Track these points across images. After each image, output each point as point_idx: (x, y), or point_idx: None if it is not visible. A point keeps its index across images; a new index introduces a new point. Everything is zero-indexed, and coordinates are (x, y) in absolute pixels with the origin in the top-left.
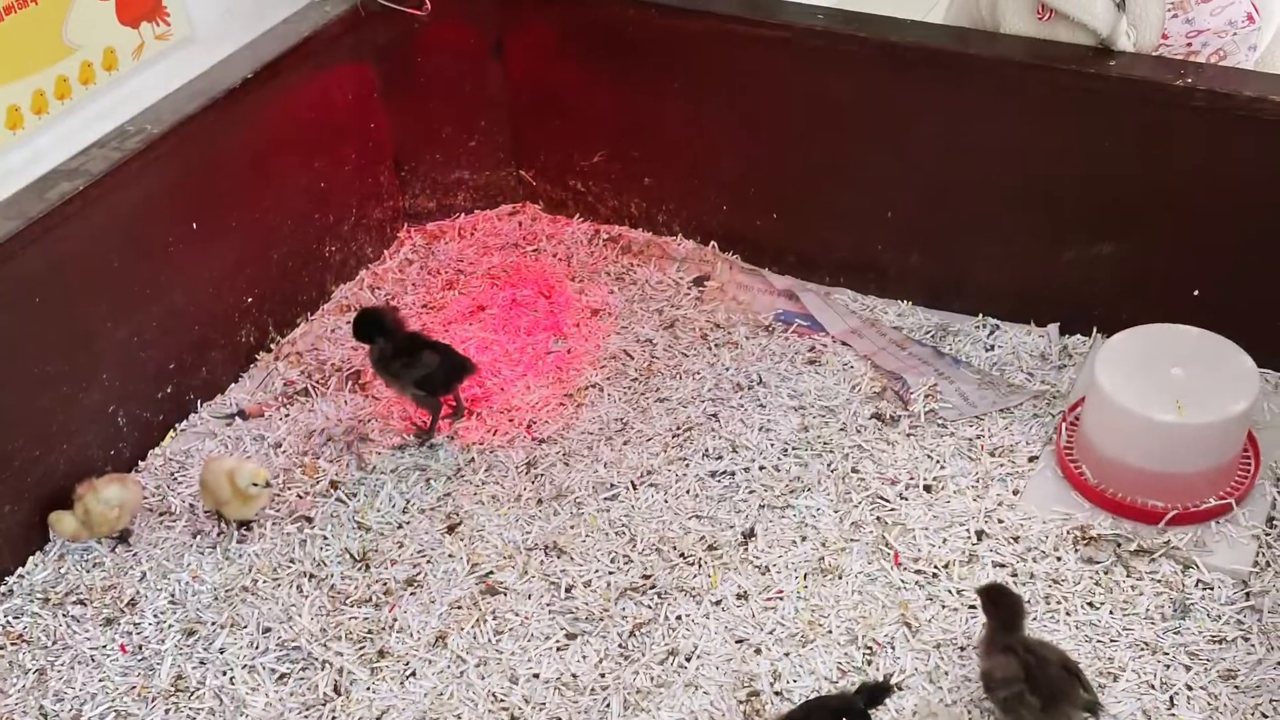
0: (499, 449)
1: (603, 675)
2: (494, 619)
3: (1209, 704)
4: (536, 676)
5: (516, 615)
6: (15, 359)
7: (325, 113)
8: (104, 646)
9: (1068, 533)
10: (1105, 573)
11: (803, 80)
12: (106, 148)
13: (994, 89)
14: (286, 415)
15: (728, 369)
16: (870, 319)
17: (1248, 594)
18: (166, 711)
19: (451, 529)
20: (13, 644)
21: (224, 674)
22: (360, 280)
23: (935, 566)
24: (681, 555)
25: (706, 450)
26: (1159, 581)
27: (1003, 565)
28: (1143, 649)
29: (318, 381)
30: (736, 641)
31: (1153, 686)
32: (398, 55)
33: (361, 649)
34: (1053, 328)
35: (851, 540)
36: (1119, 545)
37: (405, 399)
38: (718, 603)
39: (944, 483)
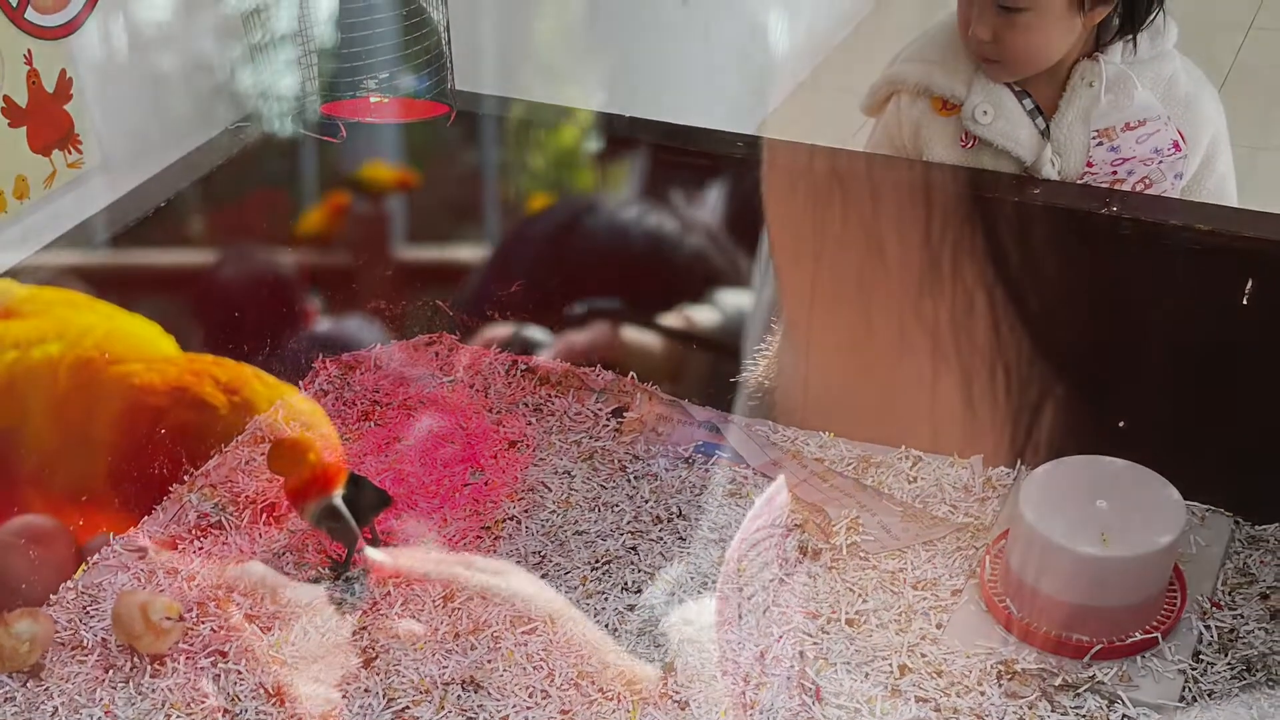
0: (415, 582)
1: None
2: None
3: None
4: None
5: None
6: None
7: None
8: None
9: (991, 667)
10: (1030, 707)
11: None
12: (18, 278)
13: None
14: (200, 548)
15: (647, 501)
16: (792, 451)
17: None
18: None
19: (367, 663)
20: None
21: None
22: (275, 411)
23: (857, 702)
24: (600, 690)
25: (625, 584)
26: (1084, 716)
27: (926, 700)
28: None
29: (232, 514)
30: None
31: None
32: None
33: None
34: (976, 459)
35: (772, 675)
36: (1044, 680)
37: (320, 532)
38: None
39: (866, 616)
